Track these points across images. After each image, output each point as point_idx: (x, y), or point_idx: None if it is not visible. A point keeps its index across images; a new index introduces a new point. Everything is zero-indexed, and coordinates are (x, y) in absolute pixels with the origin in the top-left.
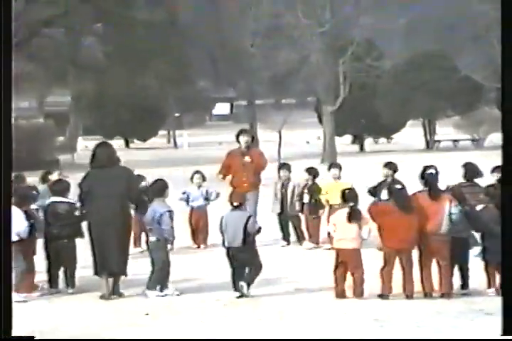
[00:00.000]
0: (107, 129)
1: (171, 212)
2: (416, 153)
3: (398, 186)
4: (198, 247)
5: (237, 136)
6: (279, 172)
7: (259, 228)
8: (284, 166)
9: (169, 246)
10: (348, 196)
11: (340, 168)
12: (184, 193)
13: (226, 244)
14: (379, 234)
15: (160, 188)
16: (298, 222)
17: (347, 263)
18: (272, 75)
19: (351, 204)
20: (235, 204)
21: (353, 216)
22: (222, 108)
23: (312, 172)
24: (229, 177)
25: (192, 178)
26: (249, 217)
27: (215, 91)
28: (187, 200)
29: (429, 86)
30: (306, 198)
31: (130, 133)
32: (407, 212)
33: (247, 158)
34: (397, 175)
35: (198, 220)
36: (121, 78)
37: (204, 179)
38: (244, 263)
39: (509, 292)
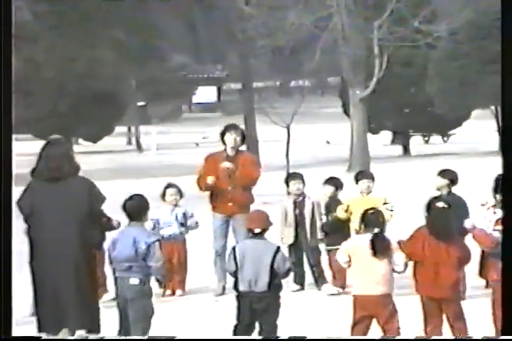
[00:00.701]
0: (40, 125)
1: (159, 241)
2: (484, 157)
3: (440, 204)
4: (173, 294)
5: (222, 134)
6: (287, 186)
7: (290, 268)
8: (294, 177)
9: (159, 290)
10: (370, 219)
11: (372, 178)
12: (152, 220)
13: (242, 287)
14: (412, 274)
15: (139, 208)
16: (317, 256)
17: (373, 316)
18: (275, 46)
19: (375, 230)
20: (256, 230)
21: (379, 248)
22: (206, 93)
23: (334, 184)
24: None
25: (163, 195)
26: (278, 250)
27: (195, 70)
28: (154, 227)
29: None
30: (323, 221)
31: (73, 131)
32: (445, 240)
33: (232, 166)
34: (456, 189)
35: (172, 255)
36: (60, 51)
37: (181, 195)
38: (262, 317)
39: (509, 292)
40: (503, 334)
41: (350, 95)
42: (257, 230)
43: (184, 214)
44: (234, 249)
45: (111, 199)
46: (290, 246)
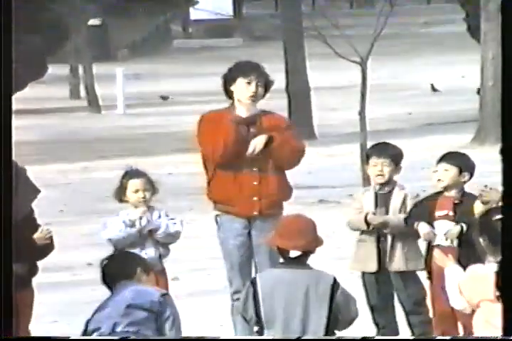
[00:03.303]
0: None
1: (167, 296)
2: None
3: (496, 216)
4: None
5: (228, 81)
6: (365, 167)
7: (356, 315)
8: (375, 151)
9: None
10: (495, 231)
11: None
12: (105, 225)
13: None
14: None
15: (126, 270)
16: (418, 292)
17: None
18: None
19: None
20: (293, 253)
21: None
22: (214, 2)
23: (457, 163)
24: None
25: (122, 190)
26: (336, 283)
27: None
28: (114, 245)
29: None
30: (446, 235)
31: None
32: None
33: (254, 132)
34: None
35: None
36: None
37: (153, 190)
38: None
39: (509, 292)
40: (503, 335)
41: None
42: (295, 253)
43: (166, 226)
44: (253, 283)
45: (46, 195)
46: (365, 276)
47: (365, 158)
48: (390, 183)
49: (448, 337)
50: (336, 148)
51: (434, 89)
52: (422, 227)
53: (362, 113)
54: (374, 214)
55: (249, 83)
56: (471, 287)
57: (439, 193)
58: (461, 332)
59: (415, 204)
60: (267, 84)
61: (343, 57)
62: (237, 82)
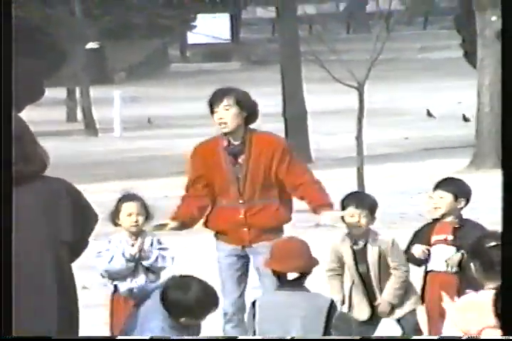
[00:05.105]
0: None
1: None
2: None
3: (490, 242)
4: None
5: (210, 106)
6: (343, 208)
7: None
8: (357, 201)
9: None
10: (493, 258)
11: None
12: (100, 254)
13: None
14: None
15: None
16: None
17: None
18: None
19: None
20: (291, 275)
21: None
22: (212, 26)
23: (453, 190)
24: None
25: (116, 214)
26: (332, 306)
27: None
28: (110, 275)
29: None
30: (448, 262)
31: None
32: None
33: (242, 161)
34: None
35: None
36: None
37: (148, 216)
38: None
39: (509, 292)
40: (503, 334)
41: (477, 25)
42: (292, 275)
43: (159, 256)
44: (254, 304)
45: None
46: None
47: (341, 207)
48: (364, 235)
49: (448, 337)
50: (333, 172)
51: (429, 115)
52: (416, 248)
53: (359, 137)
54: (357, 270)
55: (216, 111)
56: (465, 317)
57: (437, 220)
58: None
59: (414, 233)
60: (248, 107)
61: (340, 82)
62: (215, 106)
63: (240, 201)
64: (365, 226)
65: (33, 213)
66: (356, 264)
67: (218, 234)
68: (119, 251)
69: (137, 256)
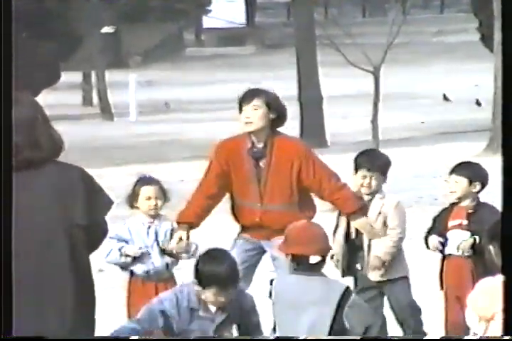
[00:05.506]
0: None
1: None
2: None
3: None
4: None
5: (240, 104)
6: (356, 166)
7: (370, 325)
8: (370, 163)
9: None
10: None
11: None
12: (112, 238)
13: None
14: None
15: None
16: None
17: None
18: None
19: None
20: (313, 258)
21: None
22: (227, 10)
23: (468, 174)
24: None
25: (134, 198)
26: (347, 292)
27: None
28: (126, 259)
29: None
30: (460, 247)
31: None
32: None
33: (263, 165)
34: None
35: None
36: None
37: (165, 198)
38: None
39: (509, 292)
40: (503, 334)
41: (495, 8)
42: (315, 258)
43: (171, 233)
44: (271, 283)
45: None
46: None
47: (354, 165)
48: (372, 193)
49: (448, 337)
50: (348, 156)
51: (445, 99)
52: (432, 239)
53: (374, 121)
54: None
55: (244, 110)
56: (482, 301)
57: (454, 204)
58: None
59: (433, 219)
60: (276, 109)
61: (356, 66)
62: (244, 105)
63: (258, 204)
64: (375, 187)
65: (44, 198)
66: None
67: (242, 227)
68: (116, 247)
69: (148, 234)
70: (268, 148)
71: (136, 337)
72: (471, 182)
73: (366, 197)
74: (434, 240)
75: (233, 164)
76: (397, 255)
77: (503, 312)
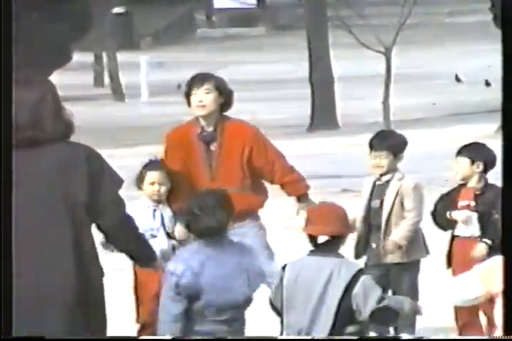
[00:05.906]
0: None
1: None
2: None
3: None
4: None
5: (190, 88)
6: (370, 147)
7: (383, 307)
8: (377, 143)
9: None
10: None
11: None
12: None
13: (288, 331)
14: None
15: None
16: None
17: None
18: None
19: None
20: (321, 238)
21: None
22: None
23: (469, 154)
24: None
25: (140, 181)
26: (359, 274)
27: None
28: None
29: None
30: (474, 254)
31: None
32: None
33: (214, 148)
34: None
35: (158, 288)
36: None
37: (170, 185)
38: None
39: (509, 291)
40: (503, 334)
41: None
42: (322, 238)
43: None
44: (284, 269)
45: None
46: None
47: (369, 146)
48: (389, 173)
49: (448, 338)
50: (359, 137)
51: (458, 80)
52: (457, 214)
53: (386, 102)
54: (369, 205)
55: (195, 94)
56: (492, 276)
57: (463, 185)
58: (483, 322)
59: (441, 196)
60: (225, 93)
61: (367, 47)
62: (193, 89)
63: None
64: (387, 166)
65: (45, 175)
66: (370, 198)
67: None
68: (144, 210)
69: (154, 216)
70: (218, 131)
71: (140, 338)
72: (473, 162)
73: (384, 178)
74: (462, 214)
75: (185, 151)
76: (414, 238)
77: (504, 312)
